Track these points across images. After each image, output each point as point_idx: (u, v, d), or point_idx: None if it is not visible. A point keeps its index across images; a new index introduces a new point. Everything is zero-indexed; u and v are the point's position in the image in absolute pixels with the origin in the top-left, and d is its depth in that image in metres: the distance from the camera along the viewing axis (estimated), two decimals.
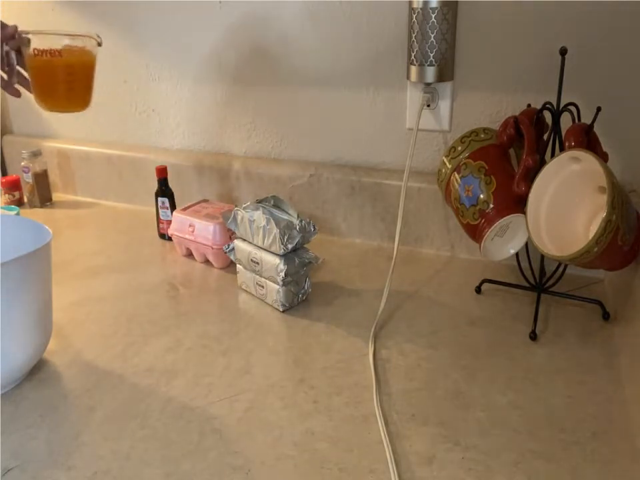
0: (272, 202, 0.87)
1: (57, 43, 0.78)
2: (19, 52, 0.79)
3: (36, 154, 1.25)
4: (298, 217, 0.82)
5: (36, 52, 0.77)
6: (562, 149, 0.75)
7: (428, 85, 0.92)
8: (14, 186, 1.27)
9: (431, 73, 0.89)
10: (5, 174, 1.38)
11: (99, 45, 0.82)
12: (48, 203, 1.29)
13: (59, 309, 0.84)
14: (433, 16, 0.85)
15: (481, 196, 0.78)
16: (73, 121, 1.30)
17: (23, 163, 1.25)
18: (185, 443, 0.59)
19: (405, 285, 0.89)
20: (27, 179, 1.26)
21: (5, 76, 0.80)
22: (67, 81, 0.80)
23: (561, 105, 0.74)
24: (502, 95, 0.90)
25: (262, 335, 0.78)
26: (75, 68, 0.81)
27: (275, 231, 0.80)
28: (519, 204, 0.76)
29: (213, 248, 0.95)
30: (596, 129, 0.74)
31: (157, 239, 1.09)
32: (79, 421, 0.63)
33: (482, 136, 0.81)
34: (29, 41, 0.77)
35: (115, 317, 0.83)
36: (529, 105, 0.85)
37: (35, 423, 0.63)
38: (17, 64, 0.80)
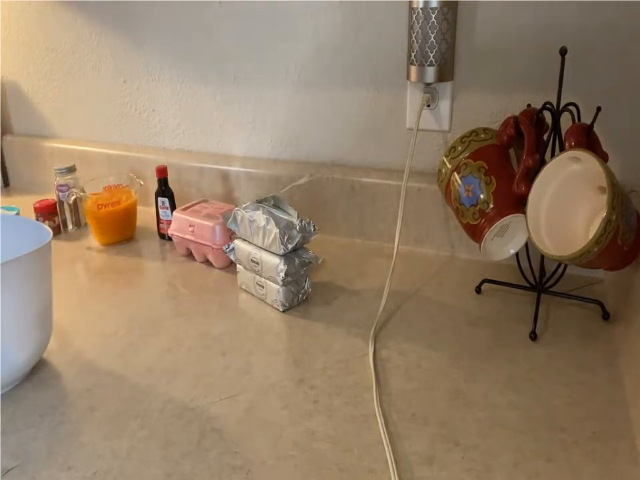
0: (272, 202, 0.87)
1: None
2: None
3: (71, 170, 1.11)
4: (298, 216, 0.82)
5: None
6: (562, 149, 0.75)
7: (428, 85, 0.92)
8: (52, 211, 1.10)
9: (430, 73, 0.89)
10: (5, 174, 1.38)
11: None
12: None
13: (59, 309, 0.84)
14: (433, 16, 0.85)
15: (481, 196, 0.78)
16: (73, 121, 1.29)
17: (59, 180, 1.10)
18: (185, 443, 0.59)
19: (405, 285, 0.89)
20: (63, 198, 1.09)
21: None
22: None
23: (561, 105, 0.74)
24: (502, 95, 0.90)
25: (262, 334, 0.78)
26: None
27: (275, 230, 0.80)
28: (518, 204, 0.76)
29: (213, 248, 0.95)
30: (596, 128, 0.74)
31: (157, 239, 1.09)
32: (79, 421, 0.63)
33: (482, 136, 0.81)
34: None
35: (115, 316, 0.83)
36: (529, 105, 0.85)
37: (35, 423, 0.63)
38: None
